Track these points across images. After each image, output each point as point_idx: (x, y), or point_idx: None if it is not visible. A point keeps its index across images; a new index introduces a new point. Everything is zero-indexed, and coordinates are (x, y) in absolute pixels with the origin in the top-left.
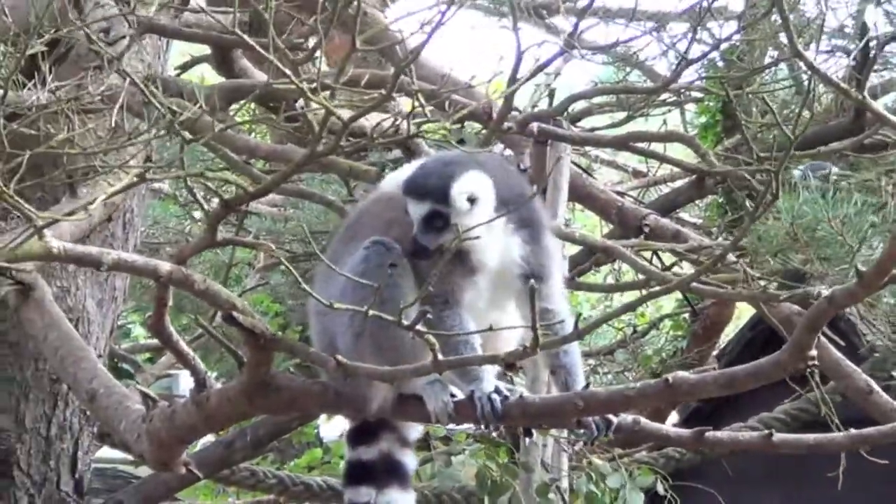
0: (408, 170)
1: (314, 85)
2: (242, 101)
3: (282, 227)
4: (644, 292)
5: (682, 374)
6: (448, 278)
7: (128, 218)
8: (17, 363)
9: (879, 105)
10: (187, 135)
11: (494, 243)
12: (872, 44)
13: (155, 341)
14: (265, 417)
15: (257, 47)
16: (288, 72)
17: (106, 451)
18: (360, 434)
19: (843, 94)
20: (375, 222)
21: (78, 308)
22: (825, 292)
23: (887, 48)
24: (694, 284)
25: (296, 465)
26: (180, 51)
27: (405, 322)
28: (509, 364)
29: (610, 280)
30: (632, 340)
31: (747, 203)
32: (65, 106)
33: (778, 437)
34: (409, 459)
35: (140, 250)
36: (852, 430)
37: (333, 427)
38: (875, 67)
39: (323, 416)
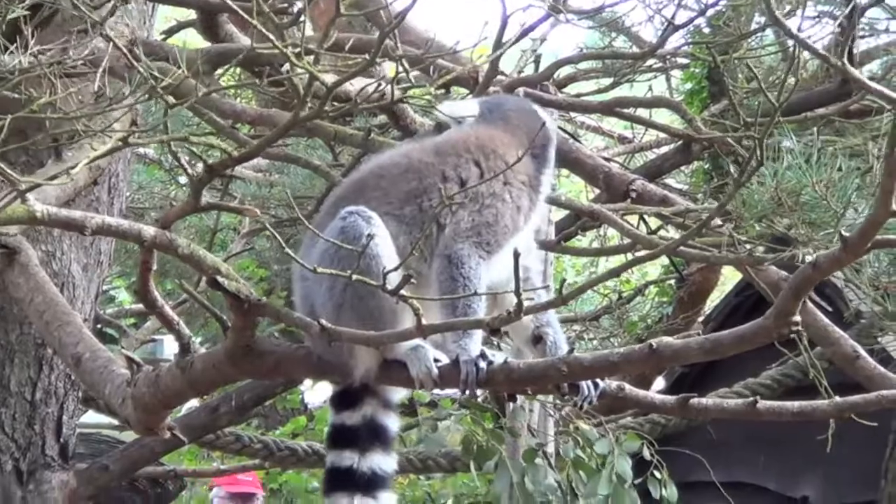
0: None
1: (298, 50)
2: (227, 66)
3: (267, 193)
4: (630, 256)
5: (666, 339)
6: (511, 230)
7: (113, 182)
8: (2, 327)
9: (864, 72)
10: (171, 99)
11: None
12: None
13: (139, 306)
14: (250, 382)
15: (241, 11)
16: (272, 36)
17: (91, 416)
18: (344, 398)
19: (824, 62)
20: (392, 189)
21: (63, 272)
22: (810, 258)
23: (873, 14)
24: (680, 248)
25: (281, 433)
26: (165, 16)
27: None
28: (494, 329)
29: (596, 246)
30: (617, 307)
31: (732, 169)
32: (47, 70)
33: (762, 404)
34: (392, 422)
35: (125, 215)
36: (837, 398)
37: (318, 394)
38: (862, 34)
39: (307, 383)
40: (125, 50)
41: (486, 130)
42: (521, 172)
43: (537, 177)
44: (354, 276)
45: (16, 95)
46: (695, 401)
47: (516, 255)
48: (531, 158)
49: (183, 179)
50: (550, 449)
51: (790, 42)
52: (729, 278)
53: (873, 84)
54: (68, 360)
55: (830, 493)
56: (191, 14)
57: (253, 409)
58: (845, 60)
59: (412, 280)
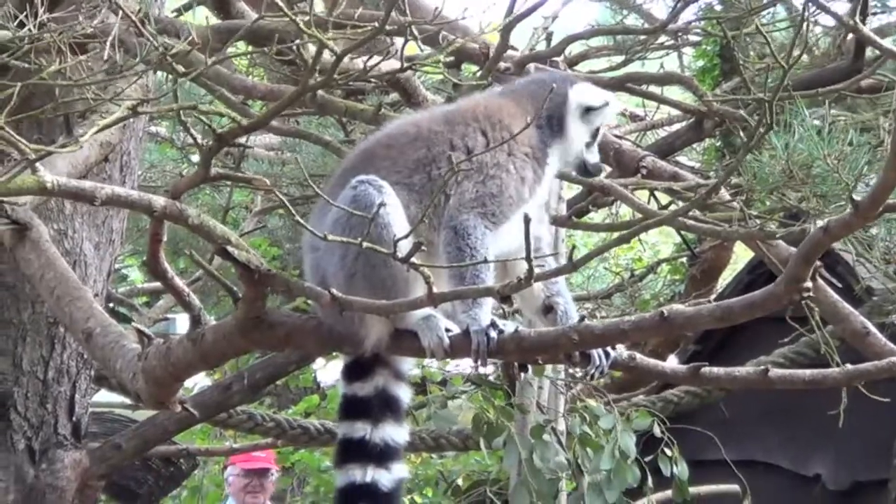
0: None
1: (307, 19)
2: (236, 36)
3: (279, 171)
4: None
5: (677, 306)
6: (515, 201)
7: (125, 160)
8: (15, 306)
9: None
10: (180, 68)
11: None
12: None
13: (152, 285)
14: (262, 361)
15: None
16: (281, 3)
17: (103, 395)
18: (356, 369)
19: (838, 22)
20: (401, 158)
21: (75, 251)
22: (821, 222)
23: None
24: (690, 222)
25: (294, 412)
26: None
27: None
28: (505, 297)
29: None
30: (629, 284)
31: (743, 136)
32: (57, 38)
33: (774, 372)
34: (404, 393)
35: None
36: (848, 365)
37: (331, 373)
38: (874, 10)
39: (320, 362)
40: (135, 19)
41: (497, 100)
42: (524, 144)
43: (542, 149)
44: (365, 245)
45: (26, 65)
46: (706, 370)
47: (527, 221)
48: (536, 130)
49: (195, 158)
50: (560, 426)
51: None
52: (741, 256)
53: (885, 43)
54: (79, 335)
55: (842, 471)
56: None
57: (265, 387)
58: (857, 20)
59: (423, 248)
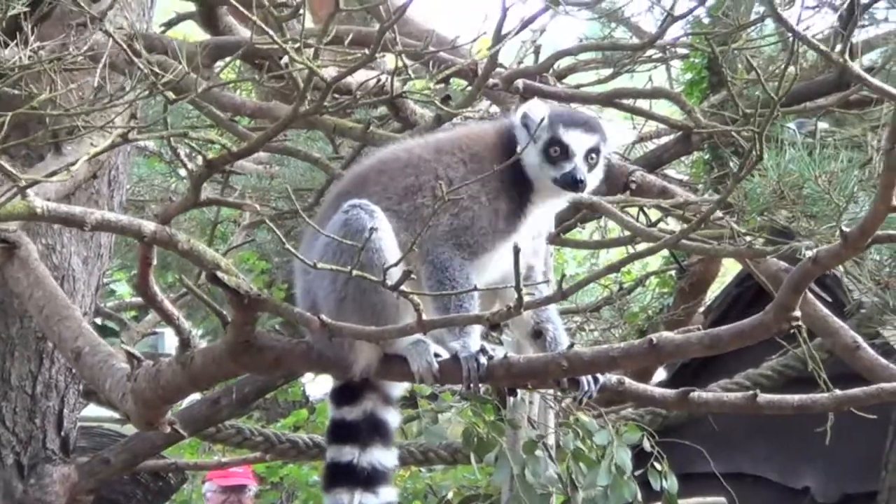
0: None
1: (298, 45)
2: (227, 59)
3: (268, 185)
4: (630, 249)
5: (666, 334)
6: (489, 232)
7: (113, 175)
8: (3, 321)
9: (864, 61)
10: (171, 95)
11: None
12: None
13: (140, 299)
14: (250, 375)
15: (238, 6)
16: (270, 32)
17: (92, 409)
18: (345, 393)
19: (823, 56)
20: (391, 185)
21: (63, 266)
22: (810, 253)
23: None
24: (681, 241)
25: (282, 426)
26: (165, 8)
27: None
28: (494, 324)
29: (596, 238)
30: (618, 297)
31: (732, 161)
32: (47, 66)
33: (763, 398)
34: (393, 417)
35: (125, 208)
36: (837, 391)
37: (319, 386)
38: (862, 23)
39: (309, 376)
40: (125, 45)
41: (482, 129)
42: (496, 177)
43: (522, 180)
44: (354, 272)
45: (16, 92)
46: (695, 395)
47: (516, 250)
48: (519, 161)
49: (183, 171)
50: (551, 441)
51: (788, 33)
52: (730, 269)
53: (874, 80)
54: (68, 354)
55: (831, 484)
56: (190, 6)
57: (254, 401)
58: (846, 57)
59: (412, 276)
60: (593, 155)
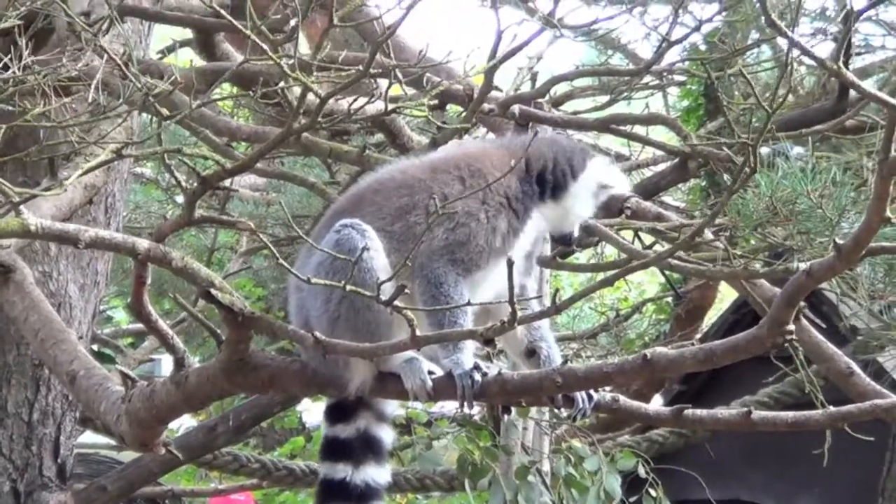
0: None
1: (291, 62)
2: (220, 79)
3: (264, 212)
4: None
5: (660, 349)
6: (485, 250)
7: (109, 202)
8: (0, 347)
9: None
10: (165, 111)
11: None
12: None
13: (136, 326)
14: (247, 402)
15: (236, 24)
16: (266, 47)
17: (89, 436)
18: (338, 411)
19: (819, 66)
20: (386, 205)
21: (60, 293)
22: (803, 265)
23: (868, 31)
24: (674, 262)
25: (279, 453)
26: (162, 35)
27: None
28: (488, 340)
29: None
30: (615, 324)
31: (727, 178)
32: (41, 81)
33: (757, 414)
34: (386, 434)
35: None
36: (831, 408)
37: (316, 414)
38: (858, 51)
39: (305, 403)
40: (119, 61)
41: (483, 148)
42: (499, 194)
43: (524, 202)
44: (348, 287)
45: (10, 108)
46: (689, 412)
47: (510, 264)
48: (522, 184)
49: (180, 199)
50: (545, 467)
51: (783, 49)
52: (726, 296)
53: (867, 87)
54: (63, 377)
55: None
56: (187, 34)
57: (251, 428)
58: (840, 64)
59: (406, 291)
60: None
